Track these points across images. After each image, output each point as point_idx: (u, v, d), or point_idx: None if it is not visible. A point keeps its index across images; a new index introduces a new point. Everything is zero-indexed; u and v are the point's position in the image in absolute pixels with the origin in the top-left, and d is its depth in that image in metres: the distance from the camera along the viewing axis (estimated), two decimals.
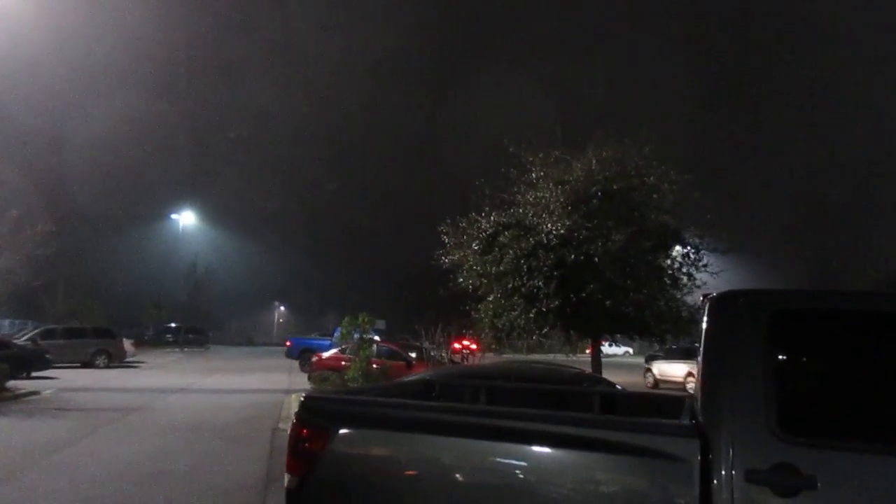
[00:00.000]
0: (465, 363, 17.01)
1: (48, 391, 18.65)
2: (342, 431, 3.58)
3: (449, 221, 15.30)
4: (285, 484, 3.67)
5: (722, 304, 3.55)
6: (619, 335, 16.33)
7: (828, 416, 3.19)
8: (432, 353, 19.86)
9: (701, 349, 3.48)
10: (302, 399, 3.84)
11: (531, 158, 14.73)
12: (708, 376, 3.34)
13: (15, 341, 25.35)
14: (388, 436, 3.54)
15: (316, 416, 3.72)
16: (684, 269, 14.79)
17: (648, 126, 14.15)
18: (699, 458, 3.06)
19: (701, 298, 4.08)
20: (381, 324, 41.60)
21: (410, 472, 3.46)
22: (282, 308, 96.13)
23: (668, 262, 14.81)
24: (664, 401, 5.27)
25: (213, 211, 64.97)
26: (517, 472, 3.29)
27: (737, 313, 3.41)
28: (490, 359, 22.45)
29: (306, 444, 3.65)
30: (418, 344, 23.17)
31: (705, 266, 14.98)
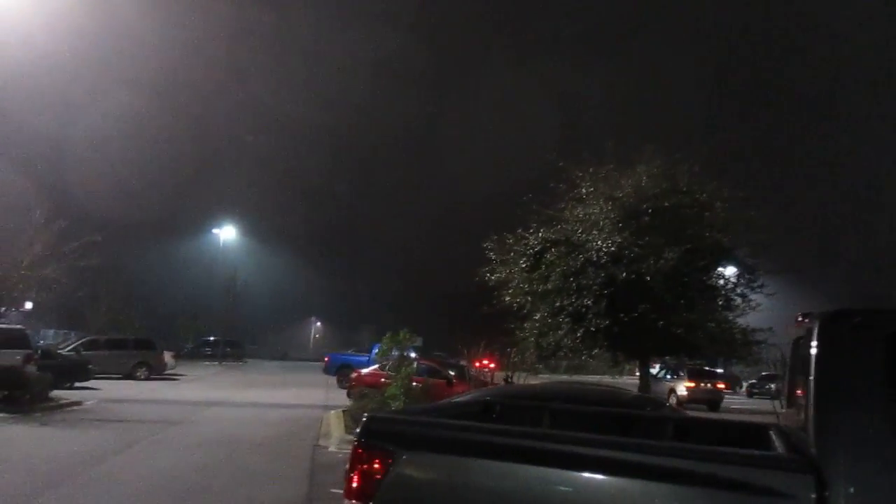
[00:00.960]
0: (512, 382, 16.58)
1: (90, 402, 18.70)
2: (407, 455, 3.29)
3: (495, 237, 15.02)
4: None
5: (834, 325, 3.20)
6: (668, 357, 15.85)
7: None
8: (472, 372, 19.50)
9: (812, 375, 3.12)
10: (364, 419, 3.56)
11: (580, 174, 14.39)
12: (821, 405, 2.97)
13: (59, 351, 25.69)
14: (456, 461, 3.24)
15: (379, 437, 3.44)
16: (738, 290, 14.28)
17: (695, 139, 13.78)
18: (814, 496, 2.70)
19: (799, 318, 3.72)
20: (417, 341, 41.24)
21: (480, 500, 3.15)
22: (318, 324, 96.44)
23: (722, 282, 14.31)
24: (744, 429, 4.87)
25: (252, 225, 65.56)
26: None
27: (851, 335, 3.05)
28: (528, 380, 22.00)
29: (368, 467, 3.38)
30: (454, 362, 22.77)
31: (760, 287, 14.44)
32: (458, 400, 6.18)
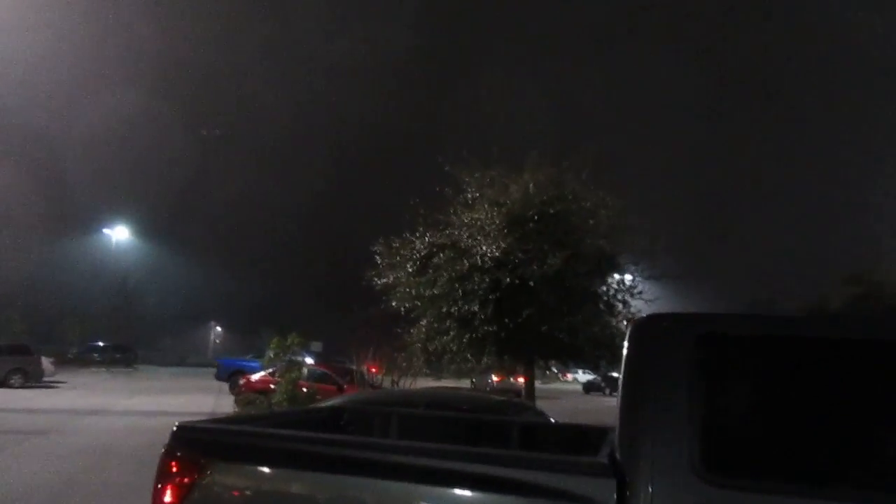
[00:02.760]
0: (397, 387, 16.53)
1: None
2: (216, 466, 3.12)
3: (382, 241, 14.88)
4: None
5: (644, 328, 3.24)
6: (552, 361, 16.11)
7: (760, 454, 2.81)
8: (367, 378, 19.33)
9: (621, 377, 3.15)
10: (174, 428, 3.36)
11: (467, 178, 14.46)
12: (626, 407, 2.99)
13: None
14: (264, 472, 3.10)
15: (189, 447, 3.26)
16: (619, 296, 14.68)
17: (589, 144, 14.09)
18: (615, 500, 2.71)
19: (625, 323, 3.77)
20: (317, 346, 40.53)
21: None
22: (218, 328, 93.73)
23: (604, 288, 14.68)
24: (591, 433, 4.93)
25: (147, 226, 63.05)
26: None
27: (660, 337, 3.07)
28: (414, 384, 21.89)
29: (175, 479, 3.18)
30: (352, 367, 22.56)
31: (640, 293, 14.90)
32: (308, 407, 6.01)
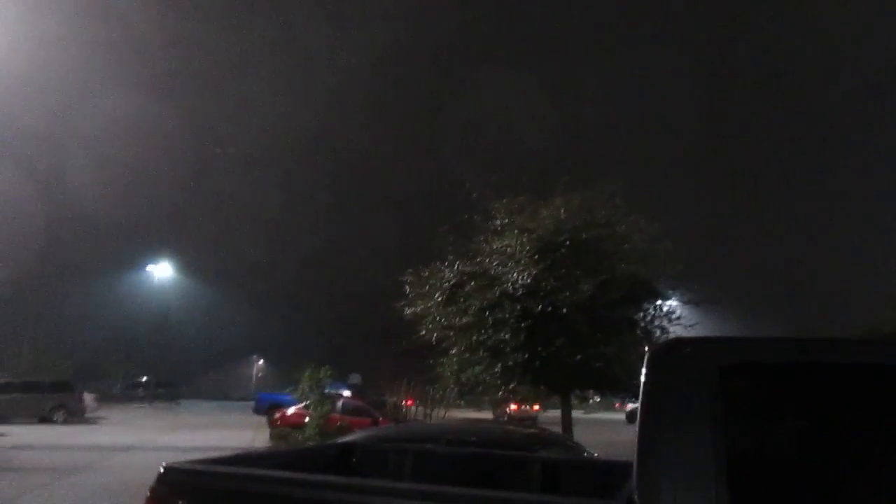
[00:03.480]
0: (429, 419, 16.21)
1: None
2: None
3: (411, 270, 14.69)
4: None
5: (663, 355, 2.93)
6: (589, 391, 15.63)
7: (793, 495, 2.49)
8: (401, 409, 19.03)
9: (638, 410, 2.84)
10: (161, 470, 3.16)
11: (496, 205, 14.24)
12: (644, 446, 2.67)
13: None
14: None
15: (173, 489, 3.05)
16: (656, 322, 14.20)
17: (620, 169, 13.78)
18: None
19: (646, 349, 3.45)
20: (355, 378, 40.43)
21: None
22: (261, 362, 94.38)
23: (641, 314, 14.22)
24: (618, 470, 4.58)
25: (189, 262, 63.93)
26: None
27: (681, 365, 2.75)
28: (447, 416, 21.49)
29: None
30: (392, 399, 22.30)
31: (678, 318, 14.39)
32: (321, 444, 5.77)
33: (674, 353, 2.84)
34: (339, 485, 2.84)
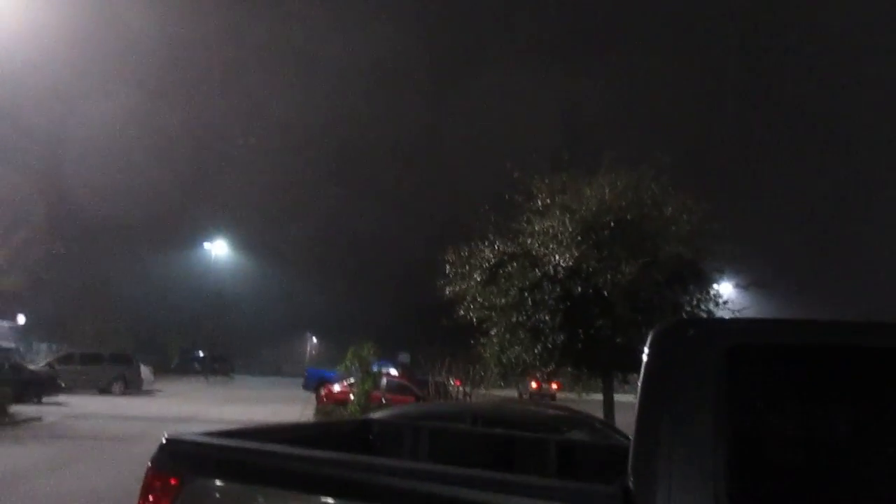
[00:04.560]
0: (465, 398, 16.23)
1: (52, 417, 18.35)
2: (196, 480, 2.92)
3: (451, 249, 14.60)
4: None
5: (667, 335, 2.81)
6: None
7: (800, 486, 2.35)
8: (449, 389, 19.07)
9: (638, 391, 2.73)
10: (163, 440, 3.19)
11: (538, 184, 14.00)
12: (642, 428, 2.57)
13: (29, 366, 25.31)
14: (240, 489, 2.86)
15: (173, 461, 3.07)
16: (703, 306, 13.79)
17: (663, 146, 13.36)
18: None
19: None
20: (404, 357, 40.67)
21: None
22: (313, 339, 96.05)
23: (687, 297, 13.84)
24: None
25: (245, 239, 65.23)
26: None
27: (685, 347, 2.63)
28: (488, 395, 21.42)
29: (157, 494, 3.00)
30: (439, 379, 22.39)
31: (726, 303, 13.98)
32: (340, 420, 5.80)
33: (678, 334, 2.73)
34: (332, 461, 2.82)
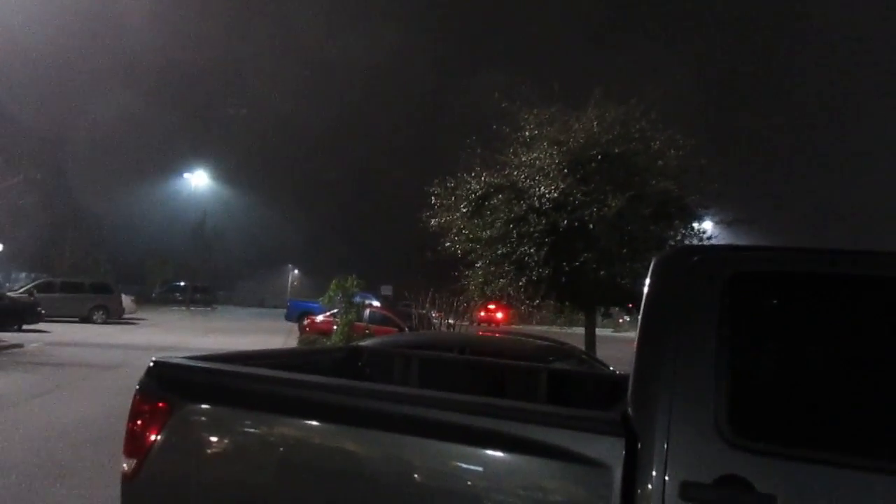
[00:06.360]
0: (448, 329, 16.36)
1: (34, 344, 18.32)
2: (183, 405, 2.86)
3: (437, 181, 14.45)
4: (121, 469, 2.97)
5: (669, 263, 2.75)
6: (615, 308, 15.51)
7: (797, 416, 2.32)
8: (434, 320, 19.15)
9: (639, 319, 2.68)
10: (150, 364, 3.11)
11: (526, 116, 13.77)
12: (643, 356, 2.53)
13: (8, 294, 25.08)
14: (231, 413, 2.82)
15: (161, 386, 3.01)
16: (687, 241, 13.84)
17: (654, 85, 13.15)
18: (623, 463, 2.28)
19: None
20: (387, 289, 40.80)
21: (261, 459, 2.74)
22: (295, 271, 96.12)
23: (671, 233, 13.88)
24: (620, 382, 4.47)
25: (226, 172, 64.42)
26: (389, 465, 2.55)
27: (687, 274, 2.56)
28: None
29: (145, 419, 2.95)
30: (424, 311, 22.54)
31: (710, 238, 14.04)
32: (328, 346, 5.77)
33: (681, 261, 2.67)
34: (325, 385, 2.77)
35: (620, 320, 45.04)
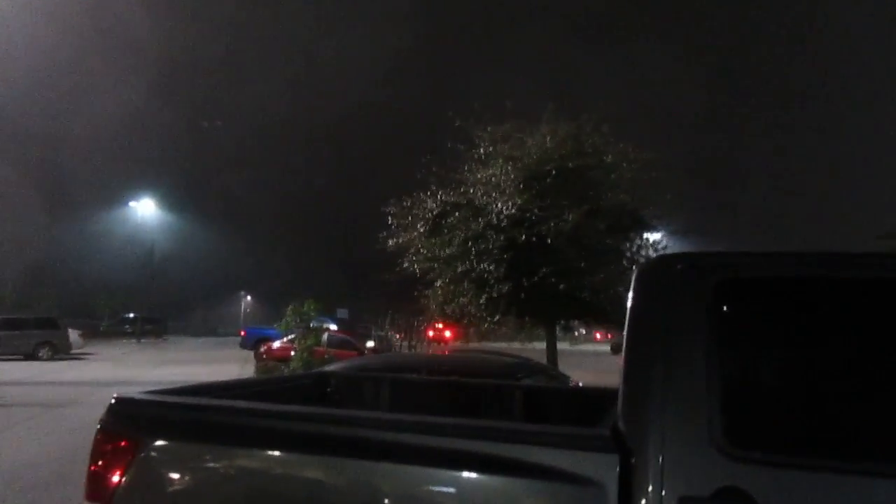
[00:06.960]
0: (414, 351, 16.21)
1: None
2: (148, 443, 2.69)
3: (392, 201, 14.38)
4: None
5: (653, 272, 2.70)
6: (575, 321, 15.57)
7: (794, 423, 2.27)
8: (393, 342, 19.01)
9: (625, 331, 2.62)
10: (112, 401, 2.93)
11: (480, 133, 13.84)
12: (632, 368, 2.47)
13: None
14: (198, 448, 2.66)
15: (121, 422, 2.82)
16: (643, 252, 14.03)
17: (610, 102, 13.39)
18: (617, 480, 2.19)
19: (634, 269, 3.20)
20: (343, 312, 40.44)
21: (235, 497, 2.58)
22: (248, 298, 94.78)
23: (627, 244, 14.05)
24: (606, 398, 4.40)
25: (174, 200, 63.40)
26: (358, 493, 2.42)
27: (673, 283, 2.51)
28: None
29: (109, 458, 2.76)
30: (382, 333, 22.33)
31: (664, 248, 14.25)
32: (294, 373, 5.61)
33: (665, 270, 2.61)
34: (295, 414, 2.63)
35: (577, 333, 45.41)
